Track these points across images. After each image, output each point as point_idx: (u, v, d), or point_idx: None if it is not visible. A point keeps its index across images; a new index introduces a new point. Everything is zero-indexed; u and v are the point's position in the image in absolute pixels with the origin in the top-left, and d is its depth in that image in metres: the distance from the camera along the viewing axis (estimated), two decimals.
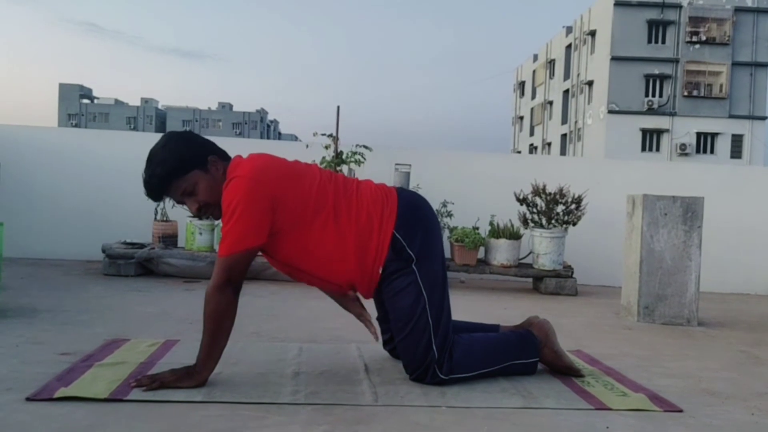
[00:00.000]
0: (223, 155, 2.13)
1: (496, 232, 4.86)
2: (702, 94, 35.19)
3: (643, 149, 35.10)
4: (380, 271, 2.15)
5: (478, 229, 4.87)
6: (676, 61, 35.12)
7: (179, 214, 4.83)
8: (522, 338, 2.36)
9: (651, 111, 35.04)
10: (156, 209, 4.83)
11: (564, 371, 2.35)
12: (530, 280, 5.10)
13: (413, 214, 2.20)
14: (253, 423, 1.74)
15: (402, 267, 2.14)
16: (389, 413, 1.87)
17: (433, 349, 2.13)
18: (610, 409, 1.99)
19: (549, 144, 44.23)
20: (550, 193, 4.83)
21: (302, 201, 2.06)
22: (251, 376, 2.15)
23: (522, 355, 2.31)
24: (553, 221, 4.84)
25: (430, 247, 2.19)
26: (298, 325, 3.16)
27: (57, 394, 1.85)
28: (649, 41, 35.34)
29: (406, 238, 2.14)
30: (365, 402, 1.95)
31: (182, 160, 2.04)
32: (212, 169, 2.08)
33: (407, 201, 2.23)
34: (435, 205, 4.91)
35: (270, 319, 3.28)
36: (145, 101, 74.81)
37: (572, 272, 4.85)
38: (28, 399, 1.83)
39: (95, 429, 1.65)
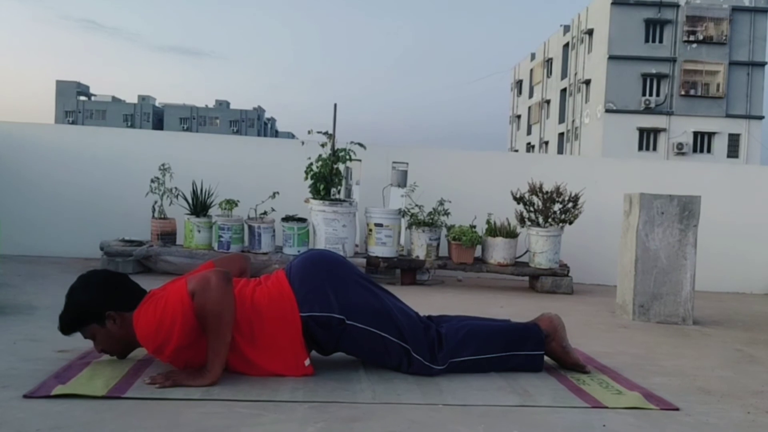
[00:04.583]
0: (128, 303, 2.13)
1: (493, 231, 4.86)
2: (699, 94, 35.20)
3: (640, 148, 35.13)
4: (306, 364, 2.15)
5: (475, 227, 4.87)
6: (673, 60, 35.14)
7: (178, 211, 4.83)
8: (525, 329, 2.37)
9: (648, 110, 35.07)
10: (154, 206, 4.83)
11: (570, 368, 2.38)
12: (527, 278, 5.11)
13: (312, 283, 2.16)
14: (249, 420, 1.75)
15: (341, 330, 2.14)
16: (386, 411, 1.88)
17: (417, 357, 2.20)
18: (605, 407, 2.00)
19: (546, 143, 44.25)
20: (546, 192, 4.83)
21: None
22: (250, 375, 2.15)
23: (524, 346, 2.33)
24: (550, 220, 4.85)
25: (348, 290, 2.18)
26: None
27: (54, 392, 1.85)
28: (647, 40, 35.36)
29: (323, 309, 2.13)
30: (363, 400, 1.96)
31: (79, 315, 2.14)
32: (109, 324, 2.13)
33: (299, 273, 2.19)
34: (432, 203, 4.91)
35: None
36: (143, 98, 74.55)
37: (568, 271, 4.86)
38: (25, 396, 1.83)
39: (93, 426, 1.66)
